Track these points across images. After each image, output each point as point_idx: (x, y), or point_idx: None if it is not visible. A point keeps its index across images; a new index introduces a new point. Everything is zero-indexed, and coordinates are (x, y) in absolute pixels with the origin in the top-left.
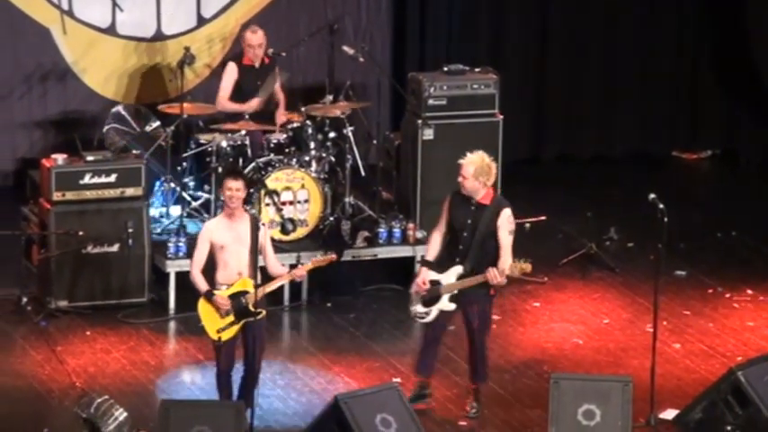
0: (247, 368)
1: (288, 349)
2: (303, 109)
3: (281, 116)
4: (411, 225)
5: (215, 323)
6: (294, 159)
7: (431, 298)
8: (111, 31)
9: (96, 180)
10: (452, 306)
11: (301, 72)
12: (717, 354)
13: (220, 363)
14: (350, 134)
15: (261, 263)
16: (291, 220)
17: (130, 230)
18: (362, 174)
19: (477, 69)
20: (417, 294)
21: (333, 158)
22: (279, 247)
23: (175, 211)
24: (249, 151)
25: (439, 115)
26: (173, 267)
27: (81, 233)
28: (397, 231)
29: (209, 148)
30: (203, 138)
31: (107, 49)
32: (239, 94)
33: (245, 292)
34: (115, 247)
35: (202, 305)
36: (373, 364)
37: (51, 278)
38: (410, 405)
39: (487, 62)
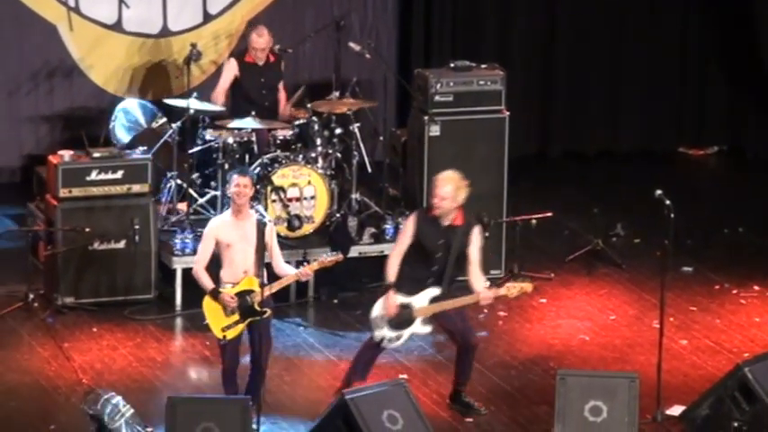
0: (254, 366)
1: (294, 346)
2: (309, 105)
3: (285, 110)
4: None
5: (220, 321)
6: (300, 156)
7: (401, 321)
8: (117, 27)
9: (103, 176)
10: (428, 329)
11: (307, 68)
12: (723, 350)
13: (225, 361)
14: (356, 130)
15: (266, 260)
16: (298, 217)
17: (137, 227)
18: (369, 170)
19: (483, 66)
20: (383, 318)
21: (339, 155)
22: (285, 243)
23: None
24: (255, 148)
25: (445, 111)
26: (179, 264)
27: (87, 230)
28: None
29: (216, 145)
30: (209, 134)
31: (113, 46)
32: (241, 90)
33: (250, 291)
34: (122, 244)
35: (207, 303)
36: (380, 360)
37: (58, 275)
38: (417, 402)
39: (494, 59)
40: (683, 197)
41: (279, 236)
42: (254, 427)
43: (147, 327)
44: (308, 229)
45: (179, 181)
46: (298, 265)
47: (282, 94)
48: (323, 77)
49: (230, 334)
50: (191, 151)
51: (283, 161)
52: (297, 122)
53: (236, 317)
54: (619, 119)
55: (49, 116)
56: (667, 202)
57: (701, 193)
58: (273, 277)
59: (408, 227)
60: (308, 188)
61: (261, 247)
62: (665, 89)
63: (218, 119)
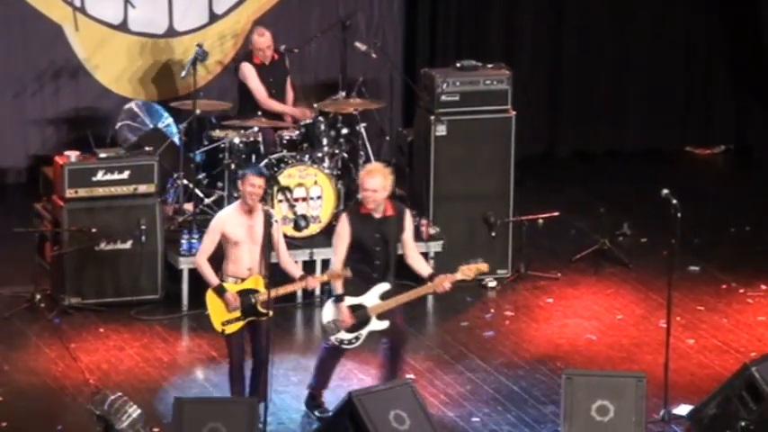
0: (255, 364)
1: (301, 346)
2: (315, 105)
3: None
4: (424, 221)
5: (221, 315)
6: (307, 156)
7: (357, 323)
8: (123, 27)
9: (109, 177)
10: (385, 324)
11: (313, 69)
12: (731, 349)
13: (233, 356)
14: (362, 130)
15: (273, 259)
16: (304, 217)
17: (143, 227)
18: None
19: (489, 65)
20: (336, 322)
21: (345, 155)
22: (292, 243)
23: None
24: (262, 148)
25: (451, 111)
26: (186, 264)
27: (94, 230)
28: None
29: (222, 145)
30: (216, 134)
31: (119, 46)
32: (252, 92)
33: (255, 291)
34: (128, 244)
35: (210, 296)
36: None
37: (64, 275)
38: (424, 401)
39: (500, 58)
40: (690, 196)
41: (285, 236)
42: (261, 427)
43: (153, 327)
44: (314, 229)
45: (185, 181)
46: (305, 266)
47: (290, 93)
48: (329, 77)
49: (229, 329)
50: (197, 151)
51: (290, 161)
52: (303, 122)
53: (237, 313)
54: (625, 118)
55: (55, 117)
56: (674, 201)
57: (707, 193)
58: (281, 274)
59: (343, 229)
60: (314, 188)
61: (267, 245)
62: (672, 88)
63: (224, 119)
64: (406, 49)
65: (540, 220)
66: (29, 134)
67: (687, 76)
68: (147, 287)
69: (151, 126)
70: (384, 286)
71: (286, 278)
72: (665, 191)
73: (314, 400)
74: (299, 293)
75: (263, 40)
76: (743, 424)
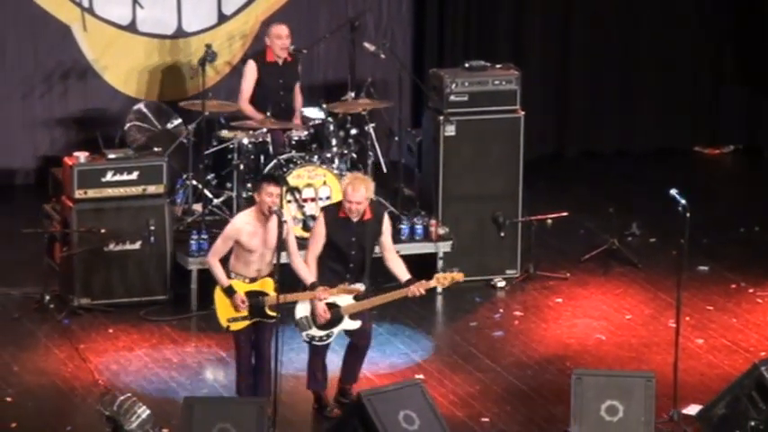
0: (258, 363)
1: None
2: (324, 106)
3: (296, 120)
4: (433, 221)
5: (227, 312)
6: (316, 156)
7: (329, 321)
8: (131, 28)
9: (118, 178)
10: (357, 323)
11: (322, 69)
12: (740, 349)
13: (240, 350)
14: (371, 131)
15: (285, 258)
16: (313, 217)
17: (152, 228)
18: (384, 170)
19: (498, 65)
20: (308, 319)
21: (354, 155)
22: (301, 243)
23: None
24: (271, 148)
25: (460, 111)
26: (195, 265)
27: (103, 231)
28: (419, 228)
29: (231, 146)
30: (225, 135)
31: (128, 47)
32: (261, 91)
33: (264, 293)
34: (137, 245)
35: (219, 292)
36: (396, 360)
37: (73, 276)
38: (433, 402)
39: (508, 58)
40: (699, 196)
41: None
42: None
43: (162, 328)
44: None
45: (194, 182)
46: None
47: (299, 99)
48: (338, 78)
49: (234, 326)
50: (206, 152)
51: (299, 162)
52: (312, 123)
53: (244, 313)
54: (634, 118)
55: (64, 118)
56: (683, 201)
57: (716, 192)
58: (292, 275)
59: (319, 229)
60: (323, 188)
61: (279, 248)
62: (681, 88)
63: (233, 119)
64: (414, 50)
65: (549, 221)
66: (37, 135)
67: (696, 75)
68: (156, 288)
69: (160, 127)
70: (359, 287)
71: (296, 280)
72: (674, 191)
73: (319, 401)
74: None
75: (283, 27)
76: (752, 424)
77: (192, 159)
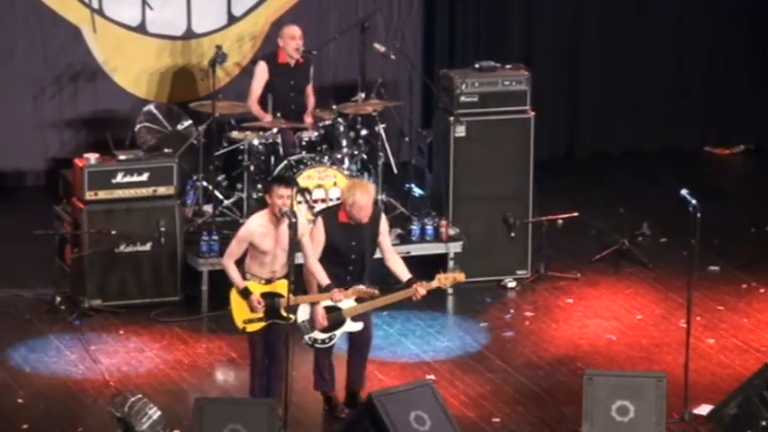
0: (272, 365)
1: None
2: (335, 107)
3: (308, 118)
4: (444, 222)
5: (243, 314)
6: (326, 157)
7: (331, 324)
8: (141, 29)
9: (128, 179)
10: (359, 325)
11: (332, 70)
12: (751, 349)
13: (255, 351)
14: (382, 131)
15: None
16: None
17: (162, 229)
18: (395, 171)
19: (508, 66)
20: (310, 322)
21: (365, 156)
22: None
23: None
24: (281, 149)
25: (471, 112)
26: (205, 266)
27: (113, 232)
28: (429, 228)
29: (242, 147)
30: (235, 136)
31: (137, 48)
32: (272, 92)
33: (279, 295)
34: (147, 246)
35: (234, 295)
36: (407, 361)
37: (84, 277)
38: (444, 402)
39: (519, 59)
40: (710, 196)
41: None
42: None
43: (173, 329)
44: None
45: (204, 183)
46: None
47: (311, 100)
48: (348, 79)
49: (250, 328)
50: (216, 153)
51: (309, 162)
52: (322, 124)
53: (259, 314)
54: (644, 118)
55: (74, 119)
56: (693, 201)
57: (727, 192)
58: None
59: (318, 234)
60: (333, 189)
61: (290, 249)
62: (691, 88)
63: (243, 121)
64: (425, 50)
65: (560, 221)
66: (47, 137)
67: (706, 75)
68: (167, 289)
69: (170, 128)
70: (373, 290)
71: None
72: (685, 191)
73: (328, 402)
74: None
75: (296, 28)
76: (764, 423)
77: (203, 160)
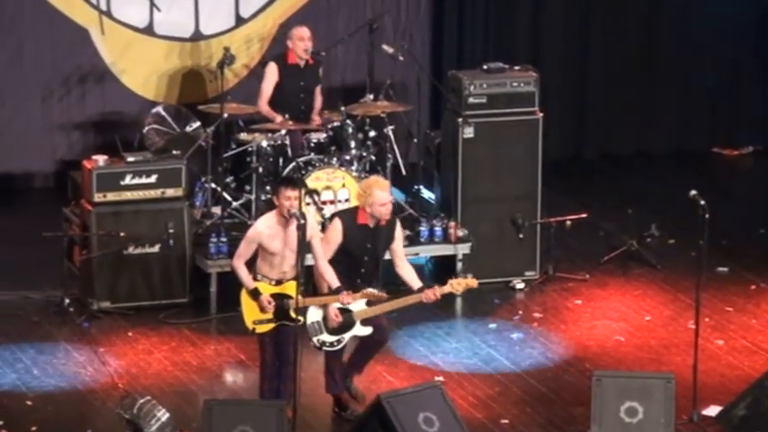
0: (281, 366)
1: None
2: (343, 108)
3: (315, 116)
4: (452, 223)
5: (253, 314)
6: (334, 159)
7: (341, 327)
8: (148, 31)
9: (137, 181)
10: (368, 329)
11: (341, 71)
12: (760, 350)
13: (264, 353)
14: (390, 133)
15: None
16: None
17: (171, 231)
18: (403, 172)
19: (516, 67)
20: (320, 324)
21: (373, 157)
22: None
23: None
24: (289, 151)
25: (479, 113)
26: (214, 268)
27: (122, 234)
28: (438, 230)
29: (250, 149)
30: (244, 138)
31: (145, 50)
32: (281, 93)
33: (289, 296)
34: (156, 248)
35: (244, 295)
36: (415, 362)
37: (93, 279)
38: (453, 404)
39: (527, 60)
40: (718, 197)
41: None
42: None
43: (182, 331)
44: None
45: (213, 185)
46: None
47: (319, 101)
48: (356, 80)
49: (260, 329)
50: (225, 155)
51: (317, 164)
52: (331, 125)
53: (269, 315)
54: (653, 120)
55: (82, 121)
56: (702, 202)
57: (735, 193)
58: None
59: (334, 236)
60: (342, 191)
61: (301, 250)
62: (699, 89)
63: (252, 122)
64: (433, 52)
65: (568, 222)
66: (56, 139)
67: (715, 76)
68: (176, 291)
69: (179, 130)
70: (382, 293)
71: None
72: (693, 192)
73: (339, 404)
74: None
75: (305, 29)
76: None
77: (211, 162)
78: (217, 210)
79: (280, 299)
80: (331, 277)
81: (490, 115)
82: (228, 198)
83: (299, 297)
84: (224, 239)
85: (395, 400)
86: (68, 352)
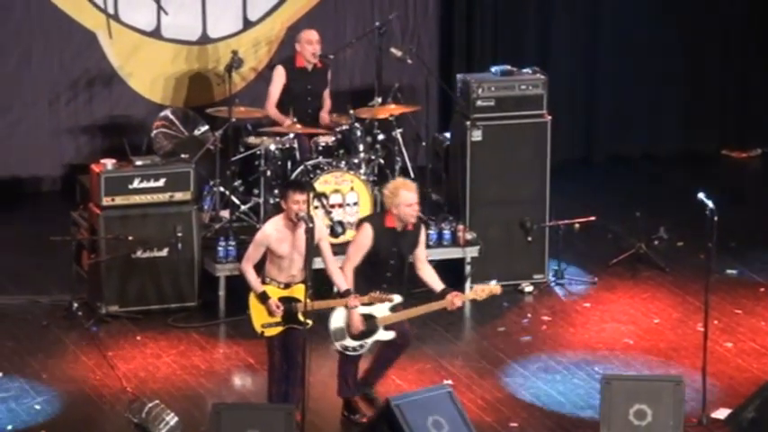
0: (289, 369)
1: (338, 352)
2: (352, 111)
3: (324, 115)
4: (461, 226)
5: (262, 318)
6: (343, 162)
7: (364, 332)
8: (156, 34)
9: (145, 185)
10: (391, 334)
11: (349, 74)
12: None
13: (272, 356)
14: (399, 136)
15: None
16: (341, 223)
17: (179, 235)
18: (412, 175)
19: (525, 70)
20: (343, 330)
21: (382, 160)
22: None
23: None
24: (298, 154)
25: (487, 116)
26: (222, 271)
27: (130, 238)
28: (446, 233)
29: (258, 152)
30: (252, 141)
31: (153, 53)
32: (289, 97)
33: (297, 300)
34: (164, 252)
35: (253, 299)
36: (424, 366)
37: (101, 283)
38: (462, 407)
39: (535, 63)
40: (727, 200)
41: None
42: None
43: (190, 334)
44: (351, 235)
45: (221, 188)
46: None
47: (327, 103)
48: (365, 83)
49: (268, 332)
50: (233, 159)
51: (326, 167)
52: (339, 129)
53: (278, 318)
54: (661, 122)
55: (90, 125)
56: (710, 204)
57: (744, 196)
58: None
59: (365, 241)
60: (350, 194)
61: (309, 253)
62: (708, 91)
63: (260, 126)
64: (441, 55)
65: (577, 225)
66: (63, 142)
67: (723, 78)
68: (184, 295)
69: (187, 133)
70: (396, 299)
71: (331, 286)
72: (702, 194)
73: (349, 407)
74: None
75: (313, 32)
76: None
77: (219, 166)
78: (225, 213)
79: (288, 302)
80: (340, 281)
81: (498, 118)
82: (237, 201)
83: (308, 300)
84: (232, 243)
85: (404, 404)
86: (77, 356)
